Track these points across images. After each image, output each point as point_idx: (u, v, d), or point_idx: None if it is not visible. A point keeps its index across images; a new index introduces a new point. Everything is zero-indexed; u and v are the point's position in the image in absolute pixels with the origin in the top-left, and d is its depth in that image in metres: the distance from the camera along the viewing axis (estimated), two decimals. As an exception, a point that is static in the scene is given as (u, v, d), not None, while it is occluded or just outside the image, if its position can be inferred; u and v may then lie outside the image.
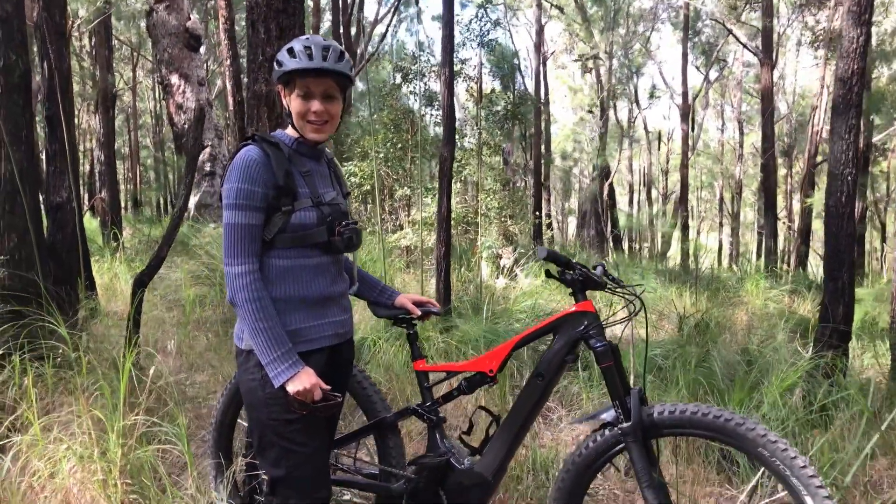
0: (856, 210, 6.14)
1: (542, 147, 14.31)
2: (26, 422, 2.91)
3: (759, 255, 19.63)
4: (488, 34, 11.54)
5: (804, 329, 6.70)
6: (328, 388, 2.22)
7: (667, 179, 33.90)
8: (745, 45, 15.86)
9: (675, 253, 16.86)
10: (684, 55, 17.19)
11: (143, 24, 21.89)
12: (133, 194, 24.26)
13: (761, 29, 13.18)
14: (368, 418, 2.79)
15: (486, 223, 10.08)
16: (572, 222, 32.67)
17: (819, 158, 18.33)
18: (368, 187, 10.73)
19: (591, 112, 25.63)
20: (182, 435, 2.70)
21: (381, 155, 10.74)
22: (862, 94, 4.25)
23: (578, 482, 2.46)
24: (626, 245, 27.08)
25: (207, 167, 13.86)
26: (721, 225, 33.57)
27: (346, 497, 3.12)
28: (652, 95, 24.46)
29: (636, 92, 25.75)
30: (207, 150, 13.66)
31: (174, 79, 13.87)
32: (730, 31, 16.10)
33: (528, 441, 3.77)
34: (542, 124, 16.27)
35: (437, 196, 6.31)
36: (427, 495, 2.63)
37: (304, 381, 2.14)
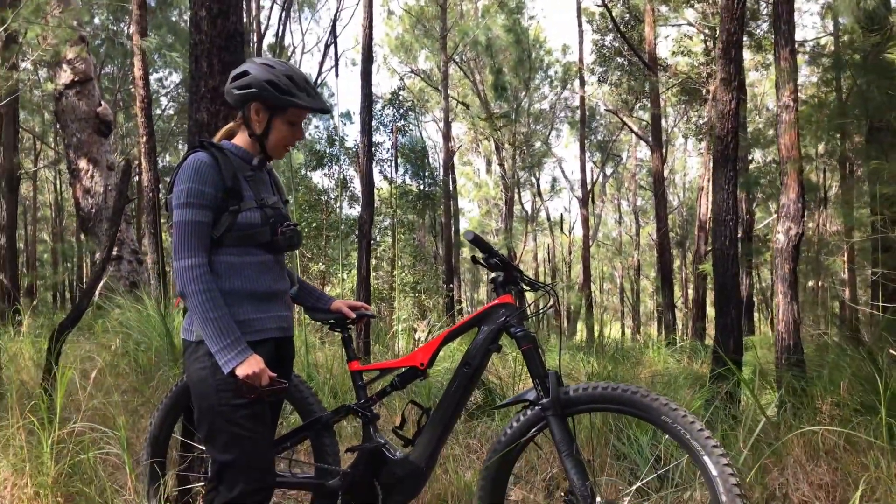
0: (743, 287, 6.68)
1: (452, 231, 14.91)
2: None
3: (658, 333, 20.56)
4: (401, 118, 12.14)
5: (701, 384, 7.17)
6: (274, 374, 2.38)
7: (570, 270, 35.26)
8: (637, 134, 17.22)
9: (581, 329, 17.54)
10: (582, 144, 18.42)
11: (47, 114, 21.63)
12: (28, 287, 23.23)
13: (650, 119, 14.38)
14: (304, 419, 2.92)
15: (402, 297, 10.33)
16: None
17: (708, 247, 19.67)
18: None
19: (496, 205, 26.77)
20: (122, 438, 2.74)
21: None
22: (737, 150, 4.85)
23: (504, 463, 2.66)
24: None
25: (113, 251, 13.60)
26: (622, 314, 34.92)
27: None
28: (553, 188, 25.87)
29: (538, 185, 27.16)
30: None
31: (82, 163, 13.71)
32: (623, 122, 17.48)
33: (451, 467, 3.92)
34: (452, 209, 16.95)
35: (357, 256, 6.53)
36: (362, 488, 2.76)
37: (252, 365, 2.30)
